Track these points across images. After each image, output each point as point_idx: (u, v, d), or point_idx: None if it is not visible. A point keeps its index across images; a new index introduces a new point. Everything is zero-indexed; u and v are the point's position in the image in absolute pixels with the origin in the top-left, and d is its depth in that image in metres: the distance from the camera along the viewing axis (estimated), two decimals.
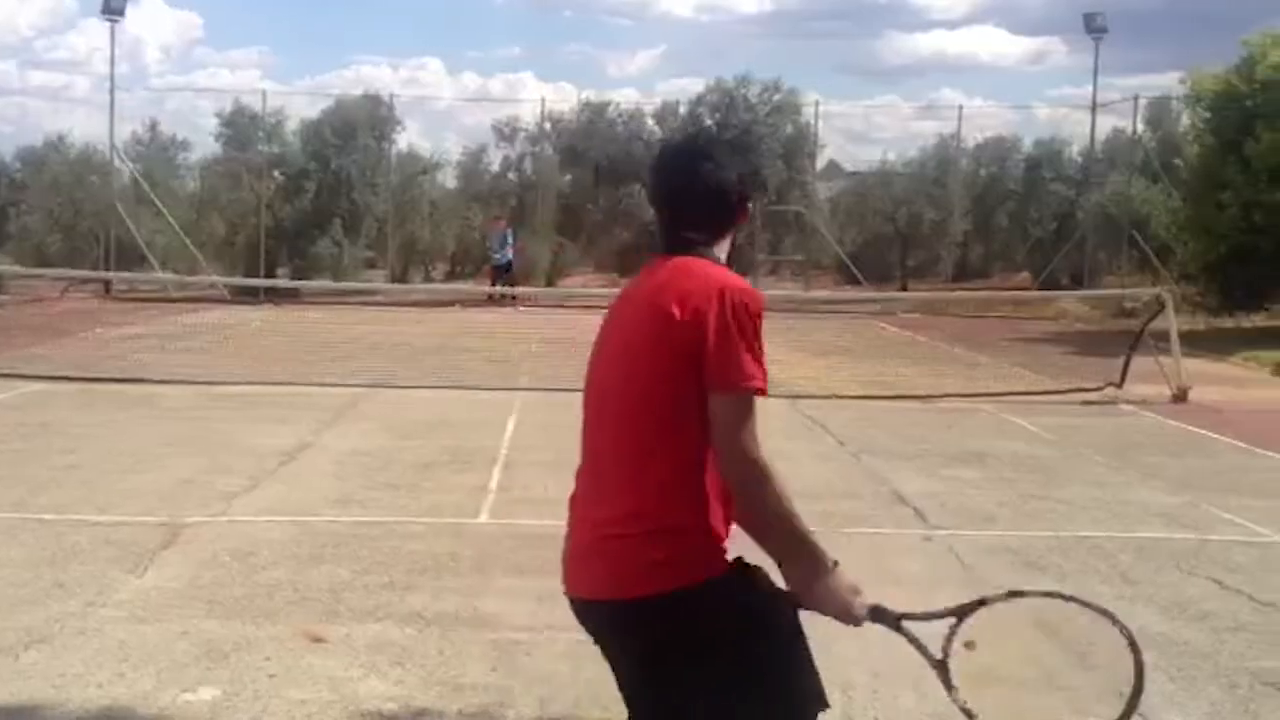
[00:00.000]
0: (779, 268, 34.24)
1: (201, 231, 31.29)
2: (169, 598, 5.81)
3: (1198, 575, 6.65)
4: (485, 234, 30.62)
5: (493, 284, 27.64)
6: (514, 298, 25.42)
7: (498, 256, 28.53)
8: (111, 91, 29.48)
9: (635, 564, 2.62)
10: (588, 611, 2.77)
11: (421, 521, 7.45)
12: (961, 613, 2.82)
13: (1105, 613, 2.84)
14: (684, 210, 2.79)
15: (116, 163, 30.42)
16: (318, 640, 5.24)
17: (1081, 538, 7.42)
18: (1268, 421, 12.73)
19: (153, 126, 32.93)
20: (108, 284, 28.04)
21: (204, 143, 34.07)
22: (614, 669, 2.81)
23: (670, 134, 33.30)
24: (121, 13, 29.72)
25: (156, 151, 32.77)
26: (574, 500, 2.85)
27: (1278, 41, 22.65)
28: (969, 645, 2.91)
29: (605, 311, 2.89)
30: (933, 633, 2.78)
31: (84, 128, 74.60)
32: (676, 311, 2.59)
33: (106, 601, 5.72)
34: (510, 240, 28.80)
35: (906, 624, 2.76)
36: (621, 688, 2.81)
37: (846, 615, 2.69)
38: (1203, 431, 11.89)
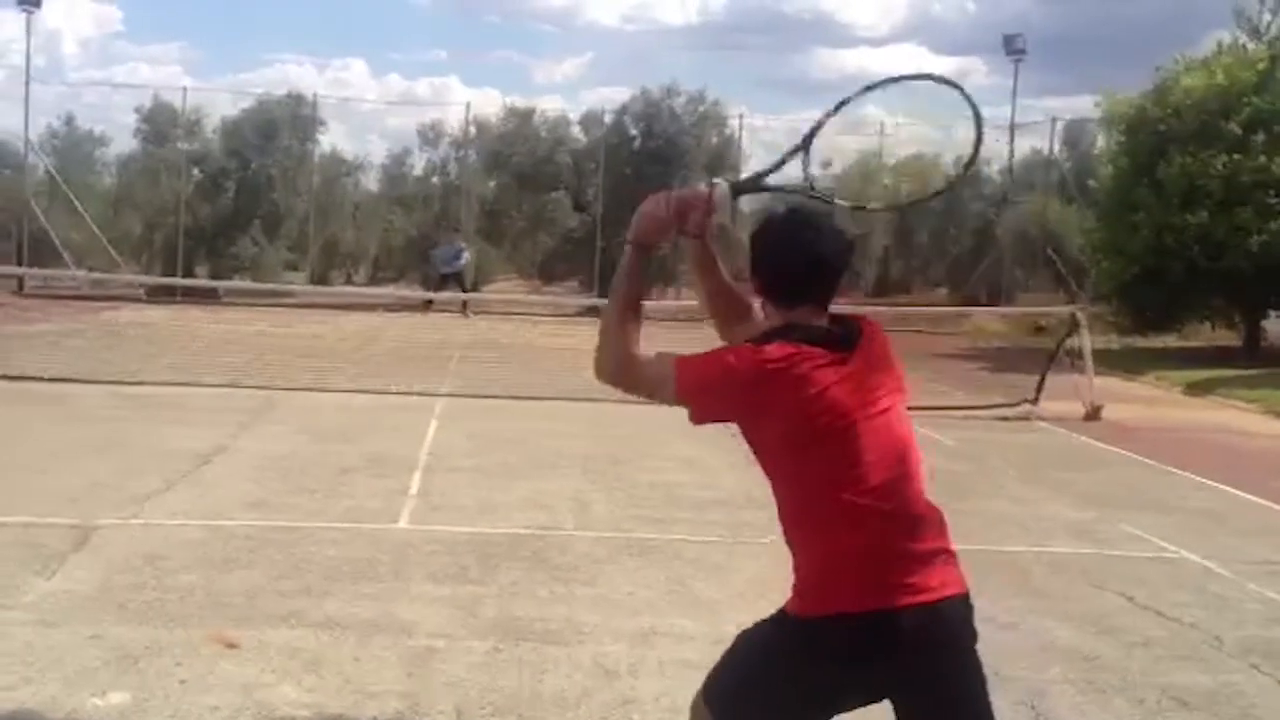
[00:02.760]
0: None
1: (118, 229, 30.80)
2: (78, 601, 5.70)
3: (1108, 590, 6.76)
4: (437, 244, 30.18)
5: (437, 289, 27.48)
6: (464, 304, 25.44)
7: (447, 268, 28.29)
8: (26, 84, 29.03)
9: None
10: None
11: (339, 527, 7.38)
12: (806, 144, 3.13)
13: (935, 78, 3.14)
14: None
15: (31, 157, 29.88)
16: (230, 646, 5.17)
17: (995, 551, 7.51)
18: (1177, 440, 13.00)
19: (69, 121, 32.43)
20: (20, 281, 27.49)
21: (122, 138, 33.58)
22: None
23: (594, 142, 33.35)
24: (38, 4, 29.23)
25: (72, 146, 32.24)
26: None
27: (1191, 67, 23.16)
28: (827, 164, 3.20)
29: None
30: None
31: None
32: None
33: (14, 604, 5.60)
34: (465, 256, 28.62)
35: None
36: None
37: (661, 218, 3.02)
38: (1114, 448, 12.12)
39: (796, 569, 2.94)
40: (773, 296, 2.99)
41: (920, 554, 2.86)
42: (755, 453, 2.97)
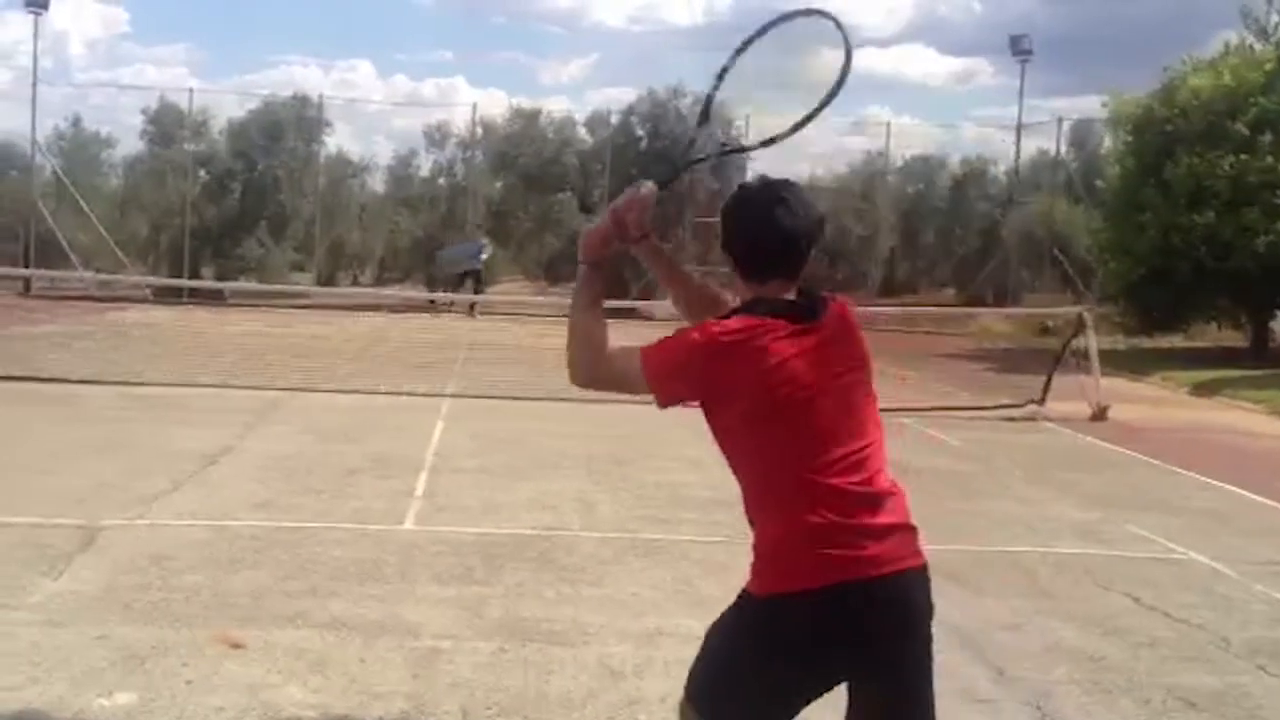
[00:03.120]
0: (707, 279, 34.33)
1: (124, 230, 30.88)
2: (85, 601, 5.70)
3: (1114, 590, 6.75)
4: (444, 244, 30.33)
5: (456, 288, 27.64)
6: (472, 305, 25.56)
7: (473, 263, 28.44)
8: (34, 86, 29.11)
9: None
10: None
11: (344, 527, 7.38)
12: (705, 117, 3.30)
13: (805, 12, 3.21)
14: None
15: (38, 158, 29.95)
16: (236, 646, 5.17)
17: (1001, 552, 7.52)
18: (1183, 440, 12.99)
19: (76, 122, 32.52)
20: (27, 282, 27.54)
21: (128, 140, 33.69)
22: None
23: (600, 143, 33.36)
24: (45, 6, 29.32)
25: (79, 148, 32.33)
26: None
27: (1198, 68, 23.14)
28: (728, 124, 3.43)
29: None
30: None
31: (5, 121, 73.06)
32: None
33: (20, 604, 5.60)
34: (487, 251, 28.71)
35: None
36: None
37: (609, 228, 3.10)
38: (1120, 449, 12.10)
39: (755, 547, 2.97)
40: (743, 271, 3.02)
41: (879, 529, 2.88)
42: (716, 434, 2.99)
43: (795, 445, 2.86)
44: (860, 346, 3.02)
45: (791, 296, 2.97)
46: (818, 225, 3.01)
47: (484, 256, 28.52)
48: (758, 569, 2.95)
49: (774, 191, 3.02)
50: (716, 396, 2.91)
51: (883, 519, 2.89)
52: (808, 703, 2.93)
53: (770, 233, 2.96)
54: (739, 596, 3.01)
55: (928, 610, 2.95)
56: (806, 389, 2.84)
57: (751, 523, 3.00)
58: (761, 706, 2.91)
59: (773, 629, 2.88)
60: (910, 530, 2.96)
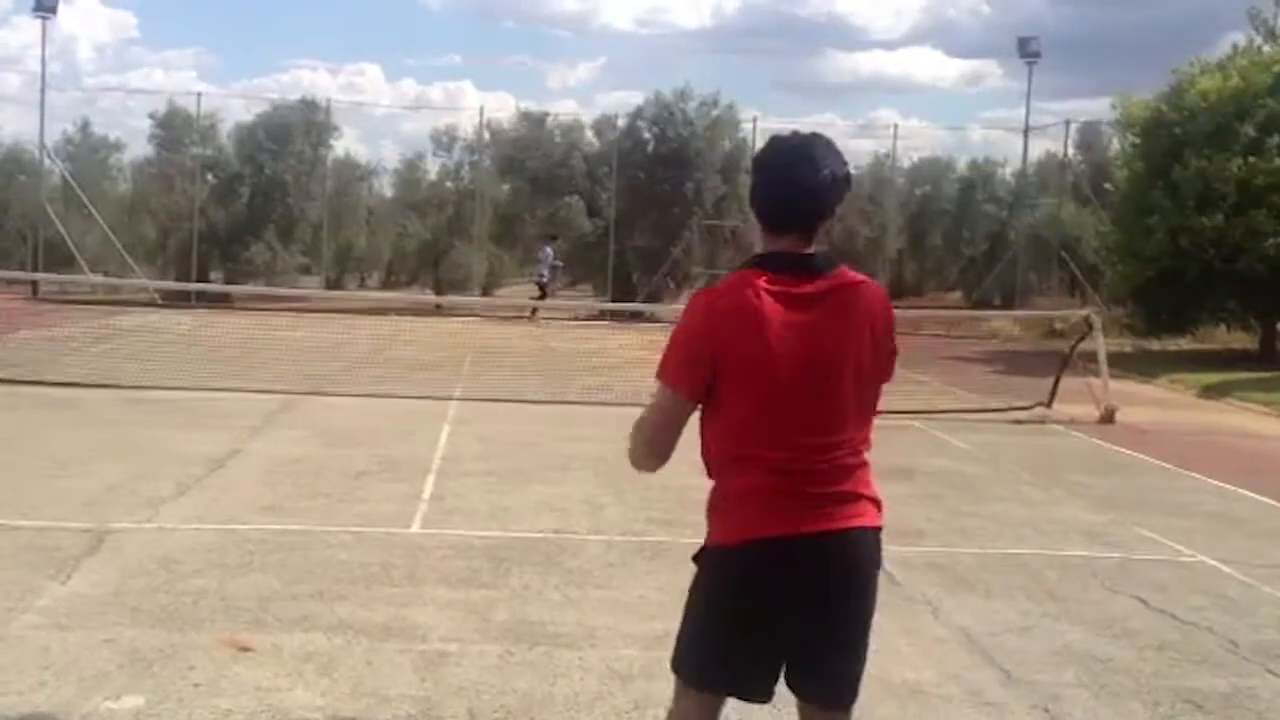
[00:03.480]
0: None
1: (132, 234, 30.95)
2: (93, 605, 5.71)
3: (1122, 593, 6.73)
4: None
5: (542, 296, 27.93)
6: (534, 310, 25.64)
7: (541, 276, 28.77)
8: (42, 90, 29.18)
9: None
10: None
11: (352, 531, 7.38)
12: None
13: None
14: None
15: (46, 162, 30.01)
16: (244, 649, 5.18)
17: (1009, 554, 7.50)
18: (1192, 443, 12.96)
19: (84, 126, 32.65)
20: (35, 285, 27.61)
21: (136, 144, 33.84)
22: None
23: (608, 146, 33.37)
24: (54, 10, 29.40)
25: (87, 152, 32.45)
26: None
27: (1206, 70, 23.10)
28: None
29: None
30: None
31: (14, 126, 73.52)
32: None
33: (28, 608, 5.61)
34: (549, 260, 28.80)
35: None
36: None
37: None
38: (1129, 452, 12.07)
39: (712, 496, 3.06)
40: (762, 223, 3.03)
41: (835, 494, 2.95)
42: (703, 408, 3.03)
43: (763, 410, 2.92)
44: (865, 324, 3.00)
45: (808, 253, 2.97)
46: (839, 184, 2.98)
47: (542, 273, 28.65)
48: (715, 521, 3.05)
49: (800, 146, 3.02)
50: (720, 362, 2.93)
51: (839, 487, 2.95)
52: (774, 668, 3.02)
53: (785, 187, 2.98)
54: (695, 558, 3.11)
55: (872, 564, 3.04)
56: (786, 358, 2.88)
57: (711, 478, 3.08)
58: (735, 661, 3.00)
59: (725, 576, 2.99)
60: (868, 500, 3.01)
